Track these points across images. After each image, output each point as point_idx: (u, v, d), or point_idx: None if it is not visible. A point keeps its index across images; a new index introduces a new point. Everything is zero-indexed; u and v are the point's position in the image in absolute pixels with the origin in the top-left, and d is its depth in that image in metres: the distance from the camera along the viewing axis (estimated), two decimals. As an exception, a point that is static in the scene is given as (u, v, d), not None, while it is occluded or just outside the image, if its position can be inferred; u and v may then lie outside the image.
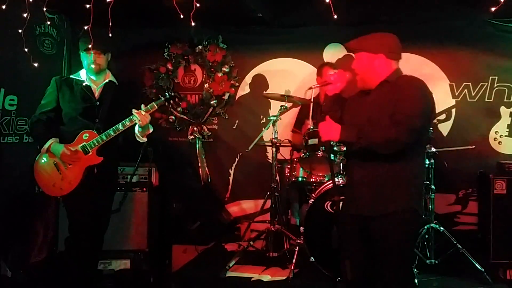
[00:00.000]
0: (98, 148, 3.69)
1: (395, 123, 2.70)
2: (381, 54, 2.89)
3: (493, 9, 3.16)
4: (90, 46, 3.58)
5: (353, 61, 3.01)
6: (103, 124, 3.73)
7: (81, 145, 3.68)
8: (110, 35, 3.23)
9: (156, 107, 3.80)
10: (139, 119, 3.67)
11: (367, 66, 2.92)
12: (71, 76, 3.87)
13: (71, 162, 3.67)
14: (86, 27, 3.09)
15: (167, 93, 3.92)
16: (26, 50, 3.73)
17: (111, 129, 3.68)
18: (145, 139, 3.90)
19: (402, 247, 2.86)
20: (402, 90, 2.79)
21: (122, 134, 3.75)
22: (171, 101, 3.91)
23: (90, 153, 3.69)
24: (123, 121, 3.69)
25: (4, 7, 3.54)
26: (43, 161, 3.72)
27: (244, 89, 6.01)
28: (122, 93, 3.92)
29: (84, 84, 3.79)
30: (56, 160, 3.69)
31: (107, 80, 3.87)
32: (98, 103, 3.79)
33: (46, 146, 3.67)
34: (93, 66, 3.73)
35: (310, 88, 2.97)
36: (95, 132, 3.70)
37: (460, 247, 4.42)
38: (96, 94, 3.82)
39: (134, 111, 3.68)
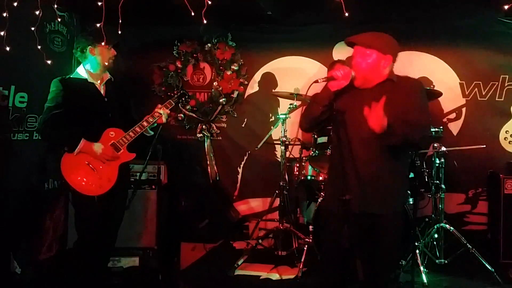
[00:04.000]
0: (128, 145, 3.73)
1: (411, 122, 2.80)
2: (389, 55, 2.90)
3: (506, 7, 3.14)
4: (103, 43, 3.53)
5: (357, 57, 2.94)
6: (116, 119, 3.77)
7: (111, 143, 3.67)
8: (120, 32, 3.22)
9: (173, 103, 3.96)
10: (164, 115, 3.81)
11: (374, 65, 2.89)
12: (71, 76, 3.75)
13: (107, 160, 3.64)
14: (98, 25, 3.08)
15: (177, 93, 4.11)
16: (39, 47, 3.72)
17: (136, 125, 3.75)
18: (152, 132, 3.93)
19: (398, 245, 3.07)
20: (410, 93, 2.90)
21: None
22: (182, 98, 4.11)
23: (122, 150, 3.71)
24: (146, 118, 3.78)
25: (15, 4, 3.55)
26: (73, 162, 3.58)
27: (253, 87, 6.00)
28: (120, 89, 3.94)
29: (89, 81, 3.72)
30: (89, 159, 3.60)
31: (109, 77, 3.83)
32: (106, 99, 3.78)
33: (80, 147, 3.56)
34: (110, 62, 3.73)
35: (316, 81, 2.92)
36: (119, 128, 3.73)
37: (470, 247, 4.39)
38: (102, 91, 3.78)
39: (159, 106, 3.84)
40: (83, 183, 3.59)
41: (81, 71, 3.75)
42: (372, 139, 2.80)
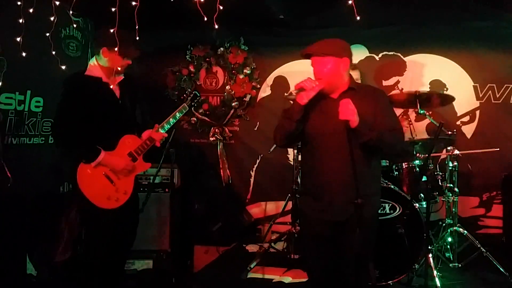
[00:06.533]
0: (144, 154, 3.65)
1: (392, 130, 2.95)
2: (345, 57, 2.98)
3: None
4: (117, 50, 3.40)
5: (316, 66, 3.04)
6: (131, 122, 3.70)
7: (128, 153, 3.57)
8: (138, 38, 3.23)
9: (188, 107, 3.93)
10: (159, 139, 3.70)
11: (334, 70, 2.96)
12: (85, 74, 3.56)
13: (126, 172, 3.55)
14: (112, 30, 3.11)
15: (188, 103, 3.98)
16: (53, 53, 3.77)
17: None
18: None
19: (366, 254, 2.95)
20: (380, 101, 3.01)
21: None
22: (195, 100, 4.01)
23: (138, 160, 3.61)
24: (162, 125, 3.73)
25: (31, 10, 3.59)
26: (90, 174, 3.44)
27: (265, 90, 6.02)
28: (131, 89, 3.79)
29: (103, 81, 3.55)
30: (107, 171, 3.48)
31: (123, 78, 3.68)
32: (120, 101, 3.64)
33: (99, 159, 3.42)
34: (122, 69, 3.59)
35: (290, 93, 3.02)
36: (136, 135, 3.67)
37: (484, 250, 4.35)
38: (116, 92, 3.63)
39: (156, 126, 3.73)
40: (100, 196, 3.45)
41: (95, 69, 3.58)
42: (345, 147, 2.83)
